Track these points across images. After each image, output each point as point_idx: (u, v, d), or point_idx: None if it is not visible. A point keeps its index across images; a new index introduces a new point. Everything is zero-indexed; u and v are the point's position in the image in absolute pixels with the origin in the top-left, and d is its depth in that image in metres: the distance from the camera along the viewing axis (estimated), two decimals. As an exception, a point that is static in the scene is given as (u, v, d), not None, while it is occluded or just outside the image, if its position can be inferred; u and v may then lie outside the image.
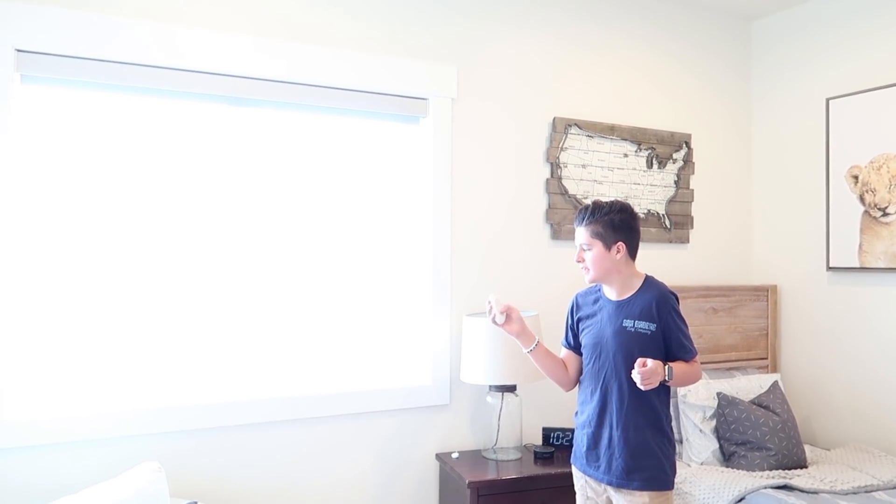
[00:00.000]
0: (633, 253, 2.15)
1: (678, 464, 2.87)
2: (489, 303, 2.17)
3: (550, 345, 2.44)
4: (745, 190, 3.64)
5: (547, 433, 2.92)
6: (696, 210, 3.47)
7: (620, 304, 2.13)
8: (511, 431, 2.79)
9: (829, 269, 3.22)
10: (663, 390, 2.11)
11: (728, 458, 2.83)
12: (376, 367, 2.82)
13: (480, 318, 2.73)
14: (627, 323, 2.09)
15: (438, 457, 2.81)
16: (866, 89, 3.08)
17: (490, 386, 2.78)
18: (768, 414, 2.85)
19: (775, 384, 3.06)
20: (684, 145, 3.42)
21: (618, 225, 2.11)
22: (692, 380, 2.15)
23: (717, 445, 2.86)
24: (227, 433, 2.52)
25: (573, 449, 2.26)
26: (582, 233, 2.14)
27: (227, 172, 2.58)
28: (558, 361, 2.28)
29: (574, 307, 2.30)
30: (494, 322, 2.18)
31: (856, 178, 3.12)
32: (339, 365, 2.76)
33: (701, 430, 2.88)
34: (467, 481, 2.51)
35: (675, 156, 3.40)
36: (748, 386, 3.03)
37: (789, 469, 2.75)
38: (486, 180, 2.98)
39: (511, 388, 2.77)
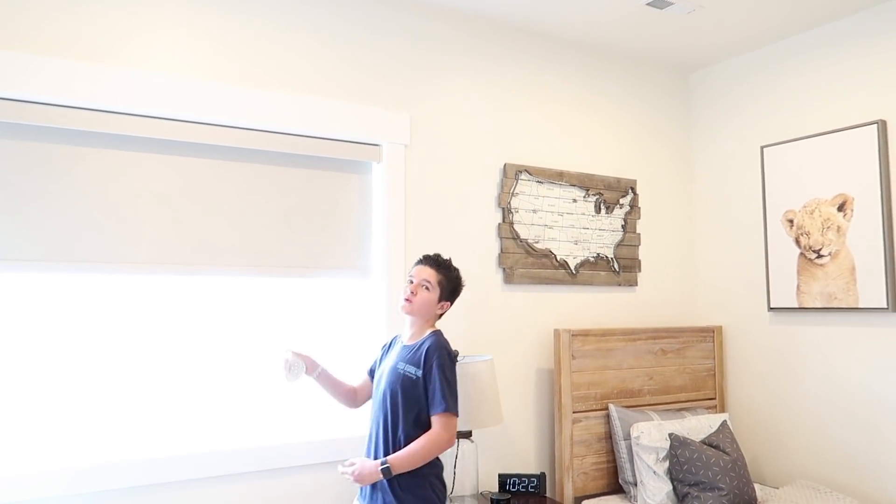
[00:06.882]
0: (441, 316, 2.38)
1: (633, 507, 2.89)
2: (286, 361, 2.33)
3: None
4: (689, 234, 3.77)
5: (503, 479, 2.89)
6: (642, 253, 3.57)
7: (405, 348, 2.30)
8: (467, 478, 2.75)
9: (771, 309, 3.34)
10: (421, 424, 2.18)
11: (682, 499, 2.85)
12: (327, 417, 2.75)
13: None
14: (400, 364, 2.25)
15: (393, 508, 2.74)
16: (797, 138, 3.26)
17: (445, 432, 2.74)
18: (719, 454, 2.90)
19: (724, 424, 3.12)
20: (630, 191, 3.53)
21: (455, 291, 2.35)
22: (427, 453, 2.13)
23: (671, 487, 2.88)
24: (169, 490, 2.41)
25: None
26: (431, 273, 2.30)
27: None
28: (341, 385, 2.44)
29: (387, 344, 2.46)
30: (290, 376, 2.32)
31: (791, 221, 3.26)
32: (287, 414, 2.69)
33: (655, 472, 2.90)
34: (423, 532, 2.44)
35: (621, 201, 3.50)
36: (698, 426, 3.08)
37: (741, 508, 2.78)
38: (438, 225, 3.00)
39: (467, 435, 2.75)
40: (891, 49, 2.95)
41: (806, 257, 3.19)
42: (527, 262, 3.17)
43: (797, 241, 3.23)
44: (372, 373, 2.47)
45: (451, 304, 2.36)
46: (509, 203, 3.16)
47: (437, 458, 2.21)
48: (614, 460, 3.12)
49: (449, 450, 2.73)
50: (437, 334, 2.28)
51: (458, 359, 2.80)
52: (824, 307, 3.11)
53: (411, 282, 2.30)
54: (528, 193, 3.21)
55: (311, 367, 2.39)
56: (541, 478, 2.86)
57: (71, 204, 2.34)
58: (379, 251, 2.85)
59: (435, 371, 2.17)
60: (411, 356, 2.24)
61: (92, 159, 2.39)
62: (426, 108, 3.01)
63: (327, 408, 2.75)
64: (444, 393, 2.15)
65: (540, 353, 3.22)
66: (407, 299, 2.27)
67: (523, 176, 3.20)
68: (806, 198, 3.21)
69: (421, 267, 2.31)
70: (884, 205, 2.92)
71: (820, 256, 3.13)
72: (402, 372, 2.22)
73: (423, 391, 2.18)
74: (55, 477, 2.22)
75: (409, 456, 2.11)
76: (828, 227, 3.10)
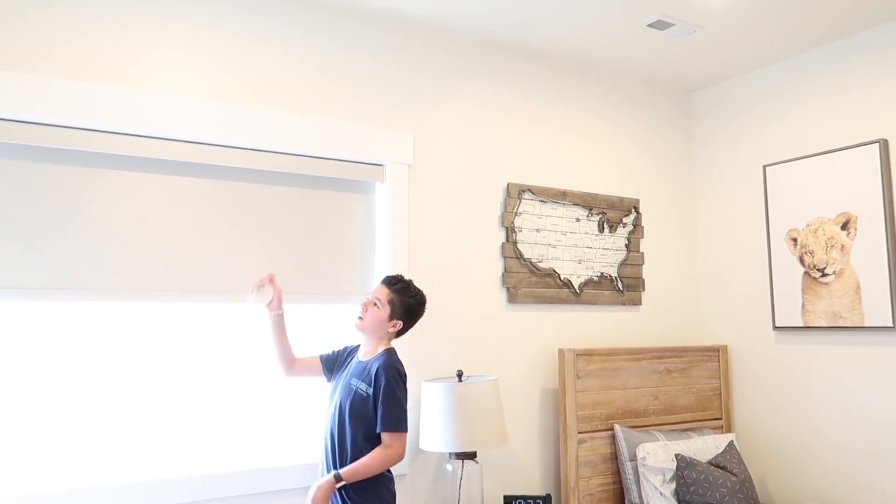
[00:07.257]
0: (400, 335, 2.43)
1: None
2: (262, 281, 2.39)
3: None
4: (693, 252, 3.76)
5: (508, 501, 2.86)
6: (646, 273, 3.56)
7: (359, 364, 2.37)
8: (472, 500, 2.72)
9: (776, 328, 3.32)
10: (370, 439, 2.25)
11: (689, 521, 2.82)
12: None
13: (439, 383, 2.70)
14: (353, 381, 2.32)
15: (397, 530, 2.71)
16: (799, 157, 3.27)
17: (450, 453, 2.73)
18: (726, 475, 2.87)
19: (731, 444, 3.09)
20: (633, 210, 3.54)
21: (410, 310, 2.39)
22: (378, 467, 2.21)
23: (678, 508, 2.85)
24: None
25: None
26: (384, 292, 2.38)
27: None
28: (287, 344, 2.46)
29: (342, 350, 2.54)
30: (255, 296, 2.38)
31: (795, 240, 3.26)
32: (292, 435, 2.67)
33: (661, 493, 2.87)
34: (428, 555, 2.42)
35: (624, 220, 3.50)
36: (705, 447, 3.05)
37: (749, 530, 2.75)
38: (442, 245, 3.01)
39: (471, 456, 2.72)
40: (892, 68, 2.97)
41: (810, 276, 3.19)
42: (530, 282, 3.17)
43: (801, 260, 3.23)
44: (323, 359, 2.52)
45: (408, 324, 2.41)
46: (512, 222, 3.16)
47: (388, 470, 2.29)
48: (620, 481, 3.09)
49: (454, 471, 2.73)
50: (389, 352, 2.34)
51: (463, 379, 2.79)
52: (829, 326, 3.09)
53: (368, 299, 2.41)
54: (531, 213, 3.21)
55: (276, 304, 2.42)
56: (546, 499, 2.83)
57: (73, 229, 2.35)
58: (382, 272, 2.85)
59: (384, 389, 2.24)
60: (363, 373, 2.31)
61: (93, 181, 2.40)
62: (429, 129, 3.03)
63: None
64: (393, 411, 2.23)
65: (544, 373, 3.20)
66: (359, 317, 2.38)
67: (526, 195, 3.21)
68: (809, 216, 3.21)
69: (379, 286, 2.42)
70: (887, 223, 2.91)
71: (824, 275, 3.13)
72: (353, 388, 2.30)
73: (372, 408, 2.25)
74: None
75: (358, 469, 2.19)
76: (832, 246, 3.10)
